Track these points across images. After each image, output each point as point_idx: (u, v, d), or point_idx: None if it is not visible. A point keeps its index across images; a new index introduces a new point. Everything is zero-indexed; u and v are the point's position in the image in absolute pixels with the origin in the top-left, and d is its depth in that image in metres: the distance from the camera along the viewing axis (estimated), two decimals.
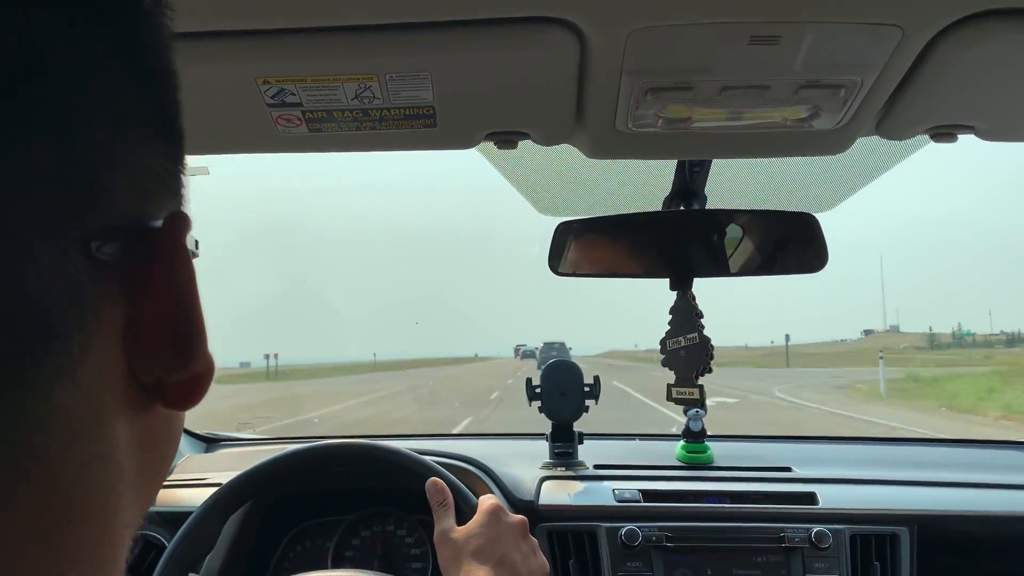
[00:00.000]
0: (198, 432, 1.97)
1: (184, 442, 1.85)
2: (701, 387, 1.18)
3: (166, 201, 0.36)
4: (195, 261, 0.39)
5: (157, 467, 0.38)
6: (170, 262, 0.34)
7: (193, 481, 1.60)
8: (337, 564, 1.52)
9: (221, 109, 0.86)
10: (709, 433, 1.79)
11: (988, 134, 0.92)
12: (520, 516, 1.03)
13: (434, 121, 0.87)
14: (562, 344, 45.09)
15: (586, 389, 1.60)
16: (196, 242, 0.48)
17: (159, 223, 0.35)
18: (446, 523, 1.02)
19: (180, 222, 0.35)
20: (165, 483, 1.62)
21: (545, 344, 44.95)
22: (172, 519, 1.40)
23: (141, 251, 0.33)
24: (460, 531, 1.00)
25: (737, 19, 0.70)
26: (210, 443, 1.95)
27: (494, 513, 1.01)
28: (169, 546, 1.13)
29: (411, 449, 1.21)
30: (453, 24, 0.72)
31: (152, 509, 1.55)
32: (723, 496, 1.43)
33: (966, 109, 0.87)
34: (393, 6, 0.69)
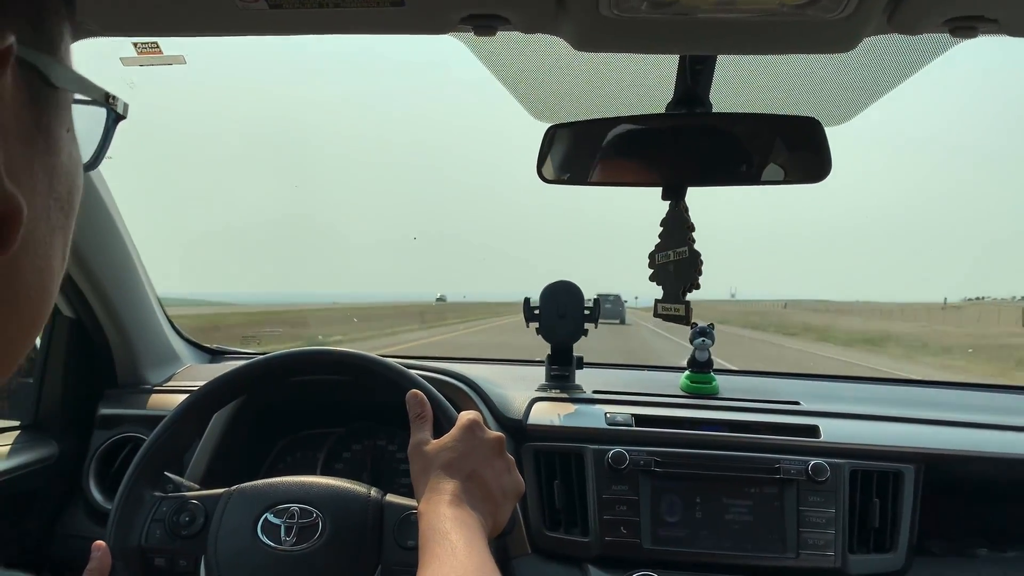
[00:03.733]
0: (205, 344, 1.97)
1: (187, 351, 1.86)
2: (688, 303, 1.12)
3: None
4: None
5: None
6: None
7: (188, 387, 1.60)
8: (326, 474, 1.52)
9: None
10: (723, 368, 1.73)
11: (1013, 28, 0.82)
12: (497, 433, 0.99)
13: None
14: (617, 297, 38.91)
15: (586, 312, 1.55)
16: (123, 103, 0.44)
17: None
18: (421, 435, 0.99)
19: None
20: (161, 389, 1.63)
21: (600, 296, 40.65)
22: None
23: None
24: (433, 444, 0.97)
25: None
26: (215, 355, 1.96)
27: (470, 428, 0.97)
28: (144, 444, 1.12)
29: (410, 367, 1.18)
30: None
31: (144, 412, 1.56)
32: (721, 424, 1.38)
33: None
34: None
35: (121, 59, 1.07)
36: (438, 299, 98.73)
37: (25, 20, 0.36)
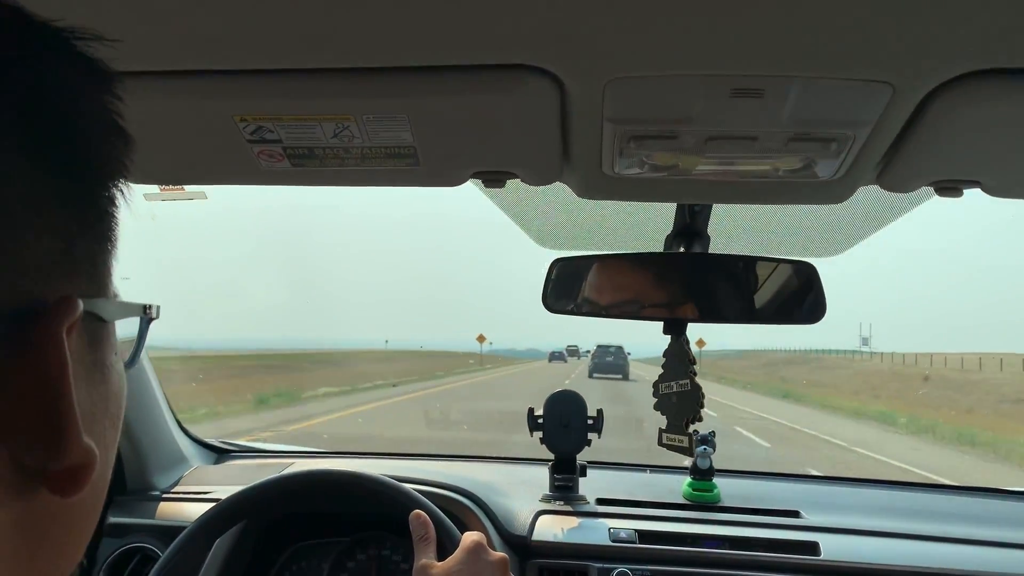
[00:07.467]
0: (208, 441, 1.98)
1: (194, 452, 1.87)
2: (691, 435, 1.16)
3: (58, 283, 0.35)
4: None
5: (49, 556, 0.37)
6: (43, 353, 0.34)
7: (196, 494, 1.61)
8: None
9: (203, 144, 0.86)
10: (723, 468, 1.74)
11: (995, 190, 0.88)
12: (501, 554, 1.01)
13: (417, 160, 0.86)
14: (619, 349, 33.45)
15: (589, 422, 1.57)
16: (155, 307, 0.47)
17: (40, 307, 0.34)
18: (425, 558, 1.01)
19: (60, 311, 0.34)
20: (169, 495, 1.64)
21: (599, 347, 33.99)
22: (170, 533, 1.41)
23: (13, 338, 0.33)
24: (438, 567, 0.98)
25: (717, 71, 0.68)
26: (220, 453, 1.97)
27: (474, 551, 0.99)
28: (159, 561, 1.14)
29: (415, 469, 1.20)
30: (429, 69, 0.71)
31: (153, 522, 1.57)
32: (723, 541, 1.40)
33: (969, 165, 0.84)
34: (367, 51, 0.68)
35: (144, 195, 1.12)
36: None
37: (84, 276, 0.38)
